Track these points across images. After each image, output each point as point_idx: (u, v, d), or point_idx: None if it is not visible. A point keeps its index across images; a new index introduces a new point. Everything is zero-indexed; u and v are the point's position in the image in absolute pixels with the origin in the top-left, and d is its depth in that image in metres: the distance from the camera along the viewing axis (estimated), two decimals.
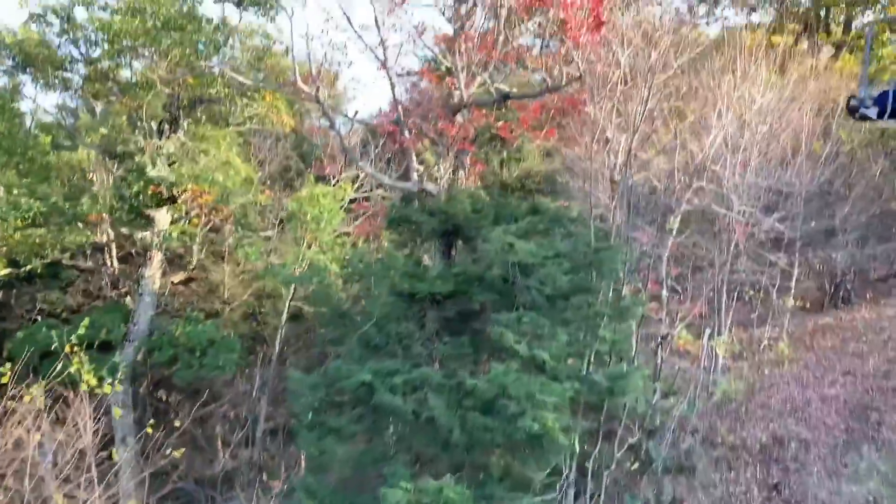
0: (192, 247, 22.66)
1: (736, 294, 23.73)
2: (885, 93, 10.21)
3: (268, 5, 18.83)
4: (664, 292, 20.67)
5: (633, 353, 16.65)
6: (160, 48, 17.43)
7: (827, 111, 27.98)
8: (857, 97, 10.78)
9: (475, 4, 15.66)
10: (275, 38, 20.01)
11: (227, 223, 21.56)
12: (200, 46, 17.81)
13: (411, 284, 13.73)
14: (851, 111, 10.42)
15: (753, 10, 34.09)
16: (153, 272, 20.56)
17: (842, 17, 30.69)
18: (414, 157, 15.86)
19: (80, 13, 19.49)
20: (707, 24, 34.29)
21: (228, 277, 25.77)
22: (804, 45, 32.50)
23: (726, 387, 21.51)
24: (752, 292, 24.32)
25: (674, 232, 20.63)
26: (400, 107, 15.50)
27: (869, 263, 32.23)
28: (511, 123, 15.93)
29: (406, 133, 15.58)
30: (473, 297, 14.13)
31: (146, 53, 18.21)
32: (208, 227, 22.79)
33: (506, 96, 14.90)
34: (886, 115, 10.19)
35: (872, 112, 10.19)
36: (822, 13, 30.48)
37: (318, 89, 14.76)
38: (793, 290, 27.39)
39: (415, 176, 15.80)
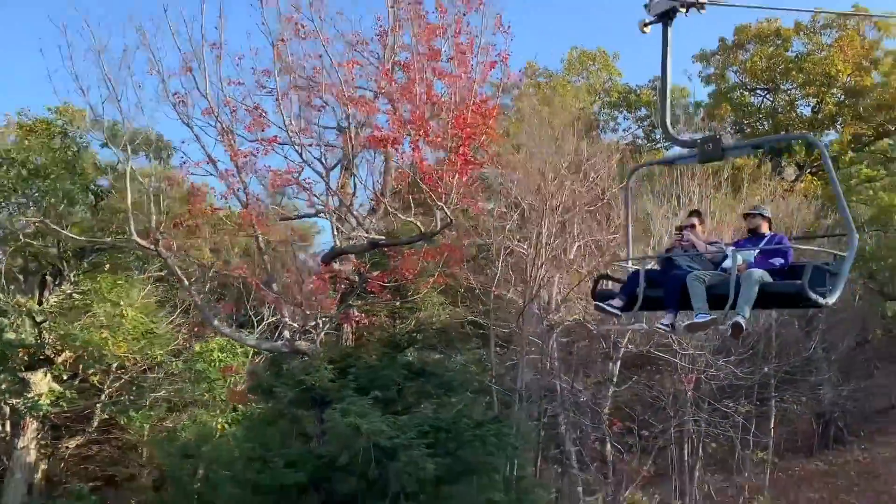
0: (96, 405, 20.44)
1: (699, 448, 20.96)
2: (635, 273, 6.56)
3: (159, 149, 17.67)
4: (607, 451, 18.03)
5: None
6: (30, 196, 16.06)
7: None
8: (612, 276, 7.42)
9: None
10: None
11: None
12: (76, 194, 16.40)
13: (257, 474, 11.43)
14: (599, 299, 6.61)
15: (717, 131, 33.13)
16: (27, 443, 18.19)
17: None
18: (286, 314, 13.96)
19: None
20: (667, 148, 33.27)
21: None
22: (767, 167, 31.31)
23: None
24: (713, 445, 21.50)
25: (614, 380, 18.29)
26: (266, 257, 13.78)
27: (861, 397, 29.42)
28: (396, 271, 14.09)
29: (273, 287, 13.79)
30: (337, 487, 11.77)
31: (13, 202, 16.79)
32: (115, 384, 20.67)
33: (374, 244, 13.20)
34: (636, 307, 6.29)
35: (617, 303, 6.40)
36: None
37: (157, 242, 13.08)
38: (772, 438, 24.56)
39: (286, 334, 13.84)
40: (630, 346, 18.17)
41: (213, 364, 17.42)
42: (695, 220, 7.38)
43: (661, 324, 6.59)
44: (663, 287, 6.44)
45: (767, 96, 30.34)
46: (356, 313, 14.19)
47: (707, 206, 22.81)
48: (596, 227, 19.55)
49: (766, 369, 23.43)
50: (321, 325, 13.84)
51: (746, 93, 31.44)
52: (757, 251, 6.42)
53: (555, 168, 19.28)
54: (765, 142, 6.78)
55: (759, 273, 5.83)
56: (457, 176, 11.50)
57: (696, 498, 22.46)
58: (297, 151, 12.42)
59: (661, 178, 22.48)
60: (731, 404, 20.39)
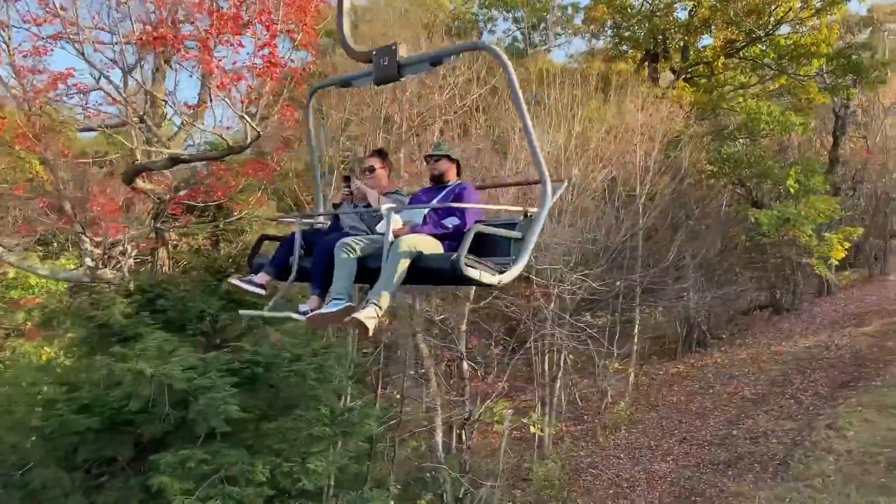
0: None
1: (561, 360, 20.98)
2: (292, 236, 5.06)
3: None
4: (465, 368, 17.57)
5: (367, 474, 13.37)
6: None
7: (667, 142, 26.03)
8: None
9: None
10: None
11: None
12: None
13: (43, 421, 10.12)
14: (254, 270, 5.13)
15: (595, 36, 32.26)
16: None
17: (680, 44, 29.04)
18: (85, 239, 12.28)
19: None
20: (548, 51, 32.21)
21: None
22: (644, 73, 30.78)
23: (545, 471, 18.56)
24: (571, 357, 21.57)
25: (470, 297, 17.64)
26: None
27: (724, 301, 30.45)
28: (208, 189, 12.55)
29: (66, 209, 12.06)
30: (143, 430, 10.62)
31: None
32: None
33: (175, 159, 11.57)
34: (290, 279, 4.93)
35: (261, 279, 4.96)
36: (661, 39, 28.71)
37: None
38: (635, 345, 25.02)
39: (88, 262, 12.23)
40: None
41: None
42: (375, 163, 5.59)
43: (298, 312, 4.69)
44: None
45: None
46: (173, 237, 12.71)
47: (577, 114, 22.10)
48: (456, 139, 18.44)
49: (629, 280, 23.58)
50: (129, 252, 12.31)
51: None
52: (428, 209, 4.82)
53: None
54: (443, 54, 4.99)
55: (412, 241, 4.28)
56: (263, 80, 10.02)
57: (557, 406, 22.79)
58: (77, 49, 10.48)
59: (526, 86, 21.39)
60: (588, 317, 20.34)
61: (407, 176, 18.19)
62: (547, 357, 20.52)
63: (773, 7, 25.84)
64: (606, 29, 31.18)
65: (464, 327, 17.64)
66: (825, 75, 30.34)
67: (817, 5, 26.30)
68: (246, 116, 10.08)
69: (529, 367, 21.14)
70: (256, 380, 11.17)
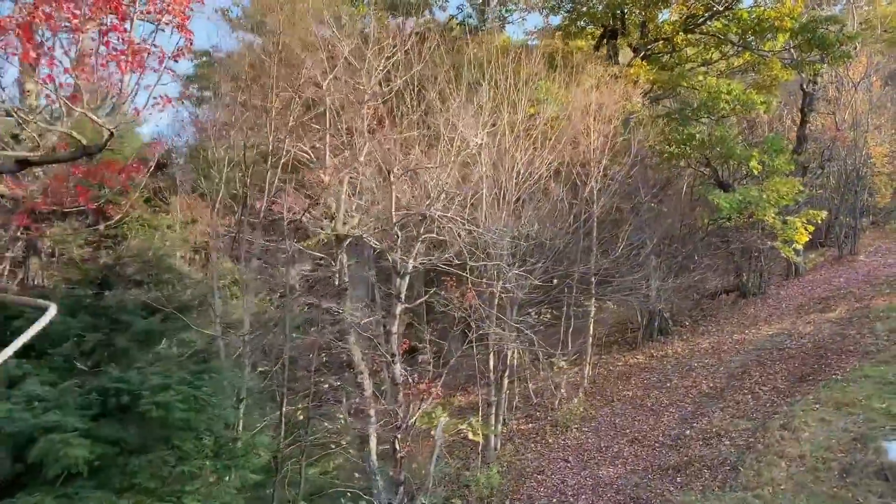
0: None
1: (507, 359, 19.87)
2: None
3: None
4: (397, 373, 16.39)
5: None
6: None
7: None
8: None
9: None
10: None
11: None
12: None
13: None
14: None
15: (553, 11, 30.76)
16: None
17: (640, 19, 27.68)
18: None
19: None
20: (501, 27, 30.68)
21: None
22: (603, 51, 29.45)
23: (486, 478, 17.51)
24: (515, 355, 20.43)
25: (402, 297, 16.42)
26: None
27: (688, 286, 29.45)
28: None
29: None
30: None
31: None
32: None
33: (23, 162, 10.21)
34: None
35: None
36: (619, 14, 27.34)
37: None
38: (590, 336, 23.99)
39: None
40: (418, 262, 16.25)
41: None
42: None
43: None
44: None
45: None
46: (44, 244, 11.38)
47: (522, 97, 20.78)
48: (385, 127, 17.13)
49: (583, 271, 22.46)
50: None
51: None
52: None
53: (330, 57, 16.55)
54: None
55: None
56: (127, 69, 8.65)
57: (507, 405, 21.76)
58: None
59: (479, 65, 19.97)
60: (532, 314, 19.22)
61: (332, 167, 16.90)
62: (492, 356, 19.38)
63: None
64: (564, 3, 29.66)
65: (395, 329, 16.42)
66: (791, 50, 29.17)
67: None
68: (90, 114, 8.69)
69: (473, 367, 19.99)
70: (126, 409, 9.91)
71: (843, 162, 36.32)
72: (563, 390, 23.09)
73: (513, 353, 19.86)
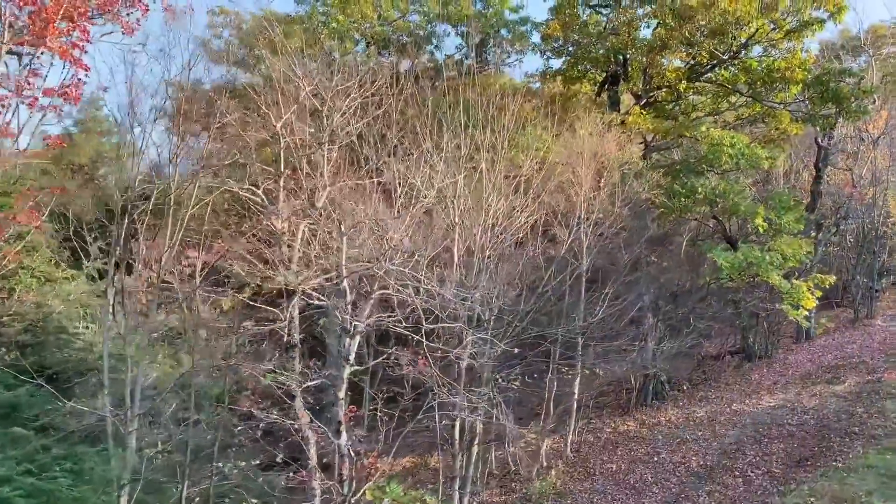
0: None
1: (475, 426, 18.25)
2: None
3: None
4: (343, 443, 14.85)
5: None
6: None
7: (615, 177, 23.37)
8: None
9: None
10: None
11: None
12: None
13: None
14: None
15: (558, 54, 29.52)
16: None
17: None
18: None
19: None
20: (497, 69, 29.50)
21: None
22: (604, 96, 28.20)
23: None
24: (481, 421, 18.74)
25: (351, 359, 14.97)
26: None
27: (689, 346, 27.70)
28: None
29: None
30: None
31: None
32: None
33: None
34: None
35: None
36: (622, 59, 26.08)
37: None
38: (575, 400, 22.31)
39: None
40: (369, 322, 14.84)
41: None
42: None
43: None
44: None
45: (608, 12, 26.75)
46: None
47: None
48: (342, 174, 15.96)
49: (566, 332, 20.88)
50: None
51: (589, 9, 27.76)
52: None
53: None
54: None
55: None
56: None
57: (477, 473, 20.10)
58: None
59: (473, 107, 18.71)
60: (502, 377, 17.69)
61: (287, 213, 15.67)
62: (457, 424, 17.78)
63: (736, 28, 23.16)
64: (568, 46, 28.49)
65: (342, 394, 14.96)
66: (805, 102, 27.68)
67: (789, 27, 23.61)
68: None
69: (435, 434, 18.43)
70: None
71: (860, 220, 34.56)
72: (542, 459, 21.43)
73: (477, 420, 18.23)
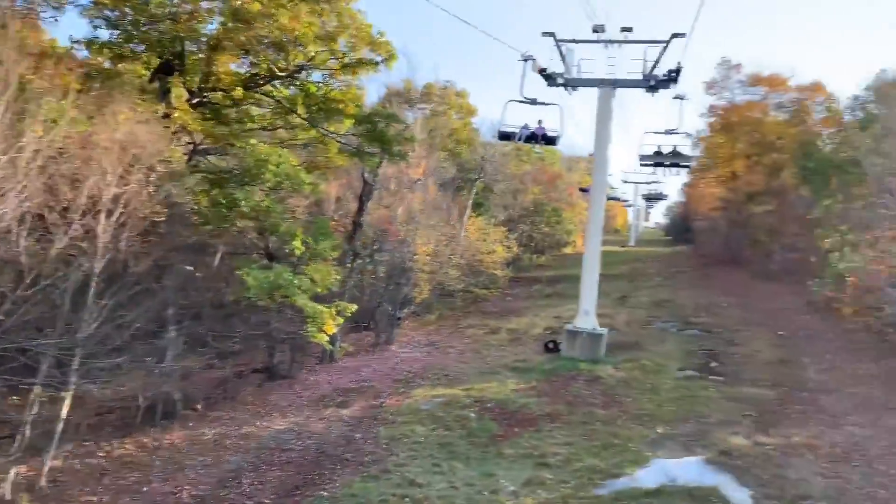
0: None
1: None
2: None
3: None
4: None
5: None
6: None
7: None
8: None
9: None
10: None
11: None
12: None
13: None
14: None
15: (112, 24, 25.79)
16: None
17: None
18: None
19: None
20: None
21: None
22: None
23: None
24: None
25: None
26: None
27: (211, 361, 26.46)
28: None
29: None
30: None
31: None
32: None
33: None
34: None
35: None
36: (179, 49, 23.86)
37: None
38: (62, 422, 19.11)
39: None
40: None
41: None
42: None
43: None
44: None
45: None
46: None
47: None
48: None
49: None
50: None
51: None
52: None
53: None
54: None
55: None
56: None
57: None
58: None
59: None
60: None
61: None
62: None
63: (295, 48, 23.06)
64: (127, 20, 25.15)
65: None
66: (356, 138, 28.99)
67: (347, 61, 24.38)
68: None
69: None
70: None
71: (392, 253, 37.73)
72: (5, 493, 17.77)
73: None
